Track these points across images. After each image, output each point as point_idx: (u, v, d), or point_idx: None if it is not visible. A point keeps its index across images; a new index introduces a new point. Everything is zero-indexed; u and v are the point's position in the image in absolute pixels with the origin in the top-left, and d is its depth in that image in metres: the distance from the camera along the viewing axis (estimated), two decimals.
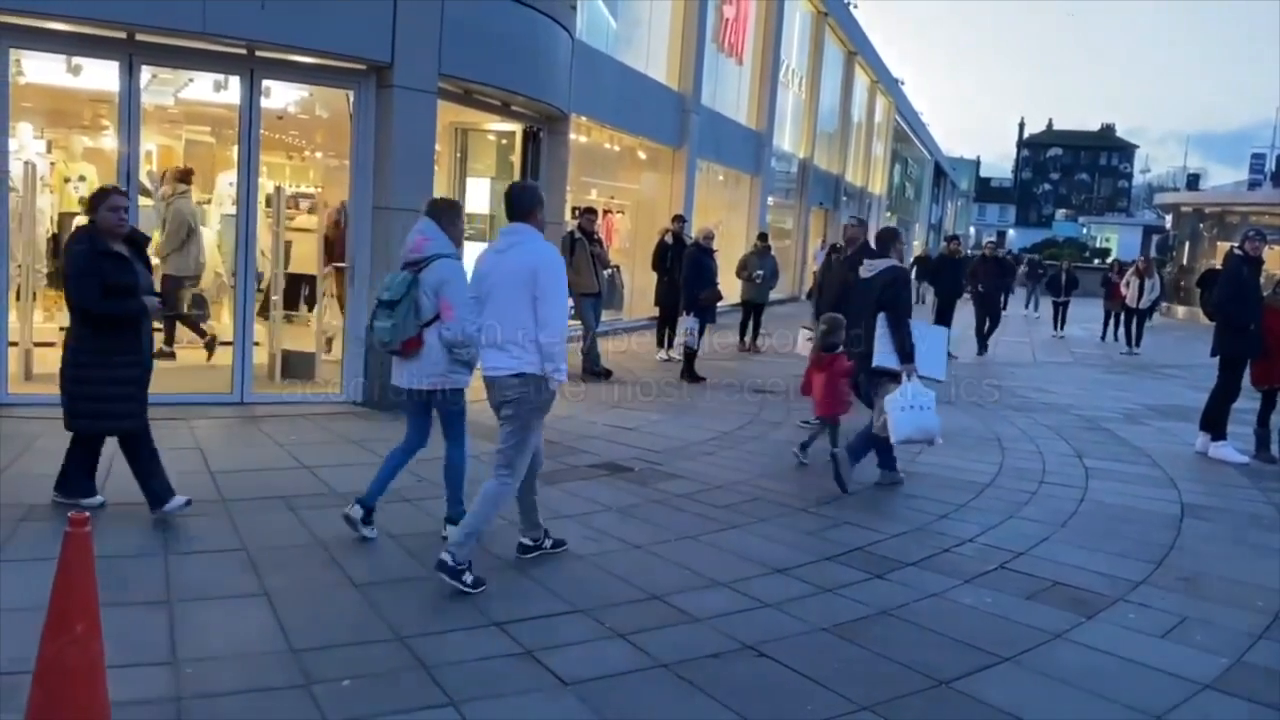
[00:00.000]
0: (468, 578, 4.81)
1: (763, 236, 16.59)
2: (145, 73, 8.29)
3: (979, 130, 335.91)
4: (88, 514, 3.00)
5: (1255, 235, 9.19)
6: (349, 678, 3.83)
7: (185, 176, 10.39)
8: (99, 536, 3.10)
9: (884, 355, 7.08)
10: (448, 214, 5.54)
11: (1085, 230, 79.93)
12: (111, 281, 5.27)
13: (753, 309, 15.67)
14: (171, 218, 10.07)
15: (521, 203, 5.07)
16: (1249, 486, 8.08)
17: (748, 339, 15.61)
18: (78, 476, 5.62)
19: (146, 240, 5.75)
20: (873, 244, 9.74)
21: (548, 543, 5.49)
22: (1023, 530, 6.45)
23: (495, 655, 4.15)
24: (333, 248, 10.16)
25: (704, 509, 6.55)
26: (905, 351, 7.03)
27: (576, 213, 12.76)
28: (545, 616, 4.59)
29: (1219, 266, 9.84)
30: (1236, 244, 9.39)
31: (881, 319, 7.10)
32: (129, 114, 8.05)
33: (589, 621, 4.57)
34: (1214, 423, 9.23)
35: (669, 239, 13.58)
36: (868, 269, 7.47)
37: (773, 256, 15.72)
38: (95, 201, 5.46)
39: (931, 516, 6.67)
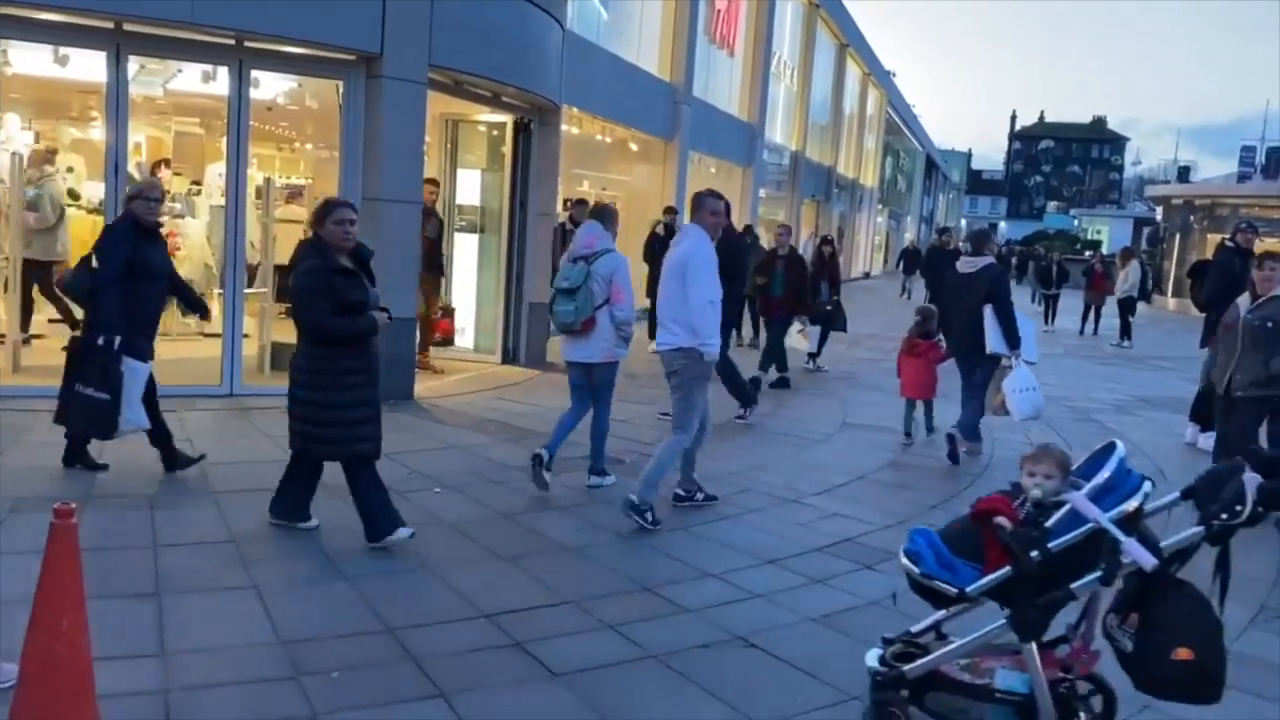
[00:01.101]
0: (649, 516, 5.84)
1: (749, 230, 16.57)
2: (133, 63, 8.24)
3: (971, 122, 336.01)
4: (73, 506, 2.98)
5: (1246, 227, 9.21)
6: (338, 669, 3.83)
7: (50, 158, 10.04)
8: (88, 528, 3.08)
9: (996, 342, 7.90)
10: (608, 217, 6.73)
11: (1076, 223, 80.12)
12: (344, 299, 4.99)
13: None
14: (38, 200, 9.64)
15: (697, 206, 6.24)
16: None
17: (745, 335, 15.37)
18: (299, 499, 5.40)
19: (370, 254, 5.40)
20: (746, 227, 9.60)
21: (700, 495, 6.41)
22: None
23: (485, 647, 4.15)
24: (427, 258, 10.01)
25: (694, 500, 6.54)
26: (1014, 339, 7.89)
27: (568, 204, 12.74)
28: (535, 608, 4.59)
29: (1209, 258, 9.86)
30: (1228, 236, 9.41)
31: (989, 310, 7.90)
32: (116, 104, 8.00)
33: (579, 613, 4.57)
34: (1204, 414, 9.26)
35: (661, 230, 13.56)
36: (967, 265, 8.30)
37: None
38: (321, 214, 5.13)
39: (922, 508, 6.68)
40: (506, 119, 11.30)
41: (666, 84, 18.66)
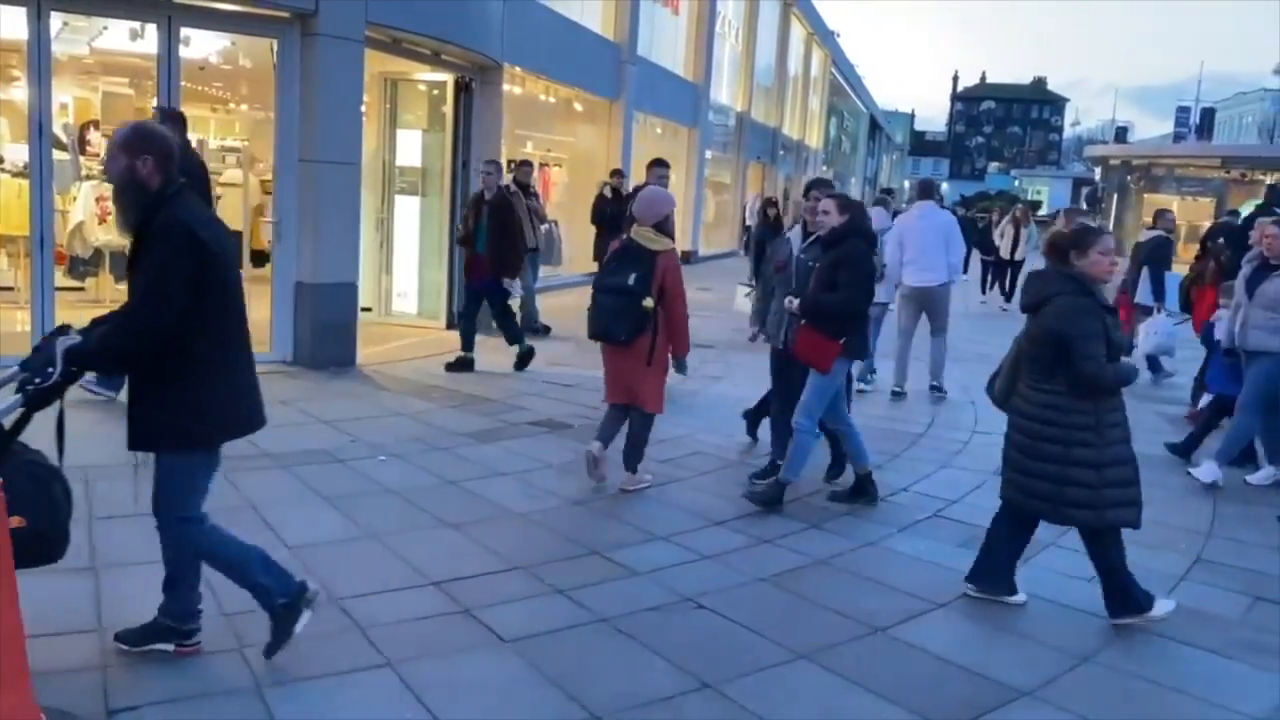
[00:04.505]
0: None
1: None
2: (55, 19, 7.91)
3: (914, 84, 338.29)
4: (1, 480, 2.88)
5: None
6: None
7: None
8: None
9: (1144, 294, 10.42)
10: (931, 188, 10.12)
11: (1017, 183, 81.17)
12: (1114, 339, 4.45)
13: None
14: None
15: (926, 190, 9.96)
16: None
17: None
18: (1005, 568, 4.70)
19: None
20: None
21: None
22: (956, 479, 6.55)
23: (433, 614, 4.12)
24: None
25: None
26: (1160, 293, 10.27)
27: (511, 165, 12.56)
28: (484, 574, 4.55)
29: (1223, 220, 10.17)
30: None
31: (1146, 270, 10.43)
32: (39, 62, 7.69)
33: (528, 578, 4.54)
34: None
35: (608, 193, 13.44)
36: (1142, 236, 10.87)
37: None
38: (1081, 243, 4.44)
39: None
40: (447, 78, 11.09)
41: (611, 43, 18.44)
